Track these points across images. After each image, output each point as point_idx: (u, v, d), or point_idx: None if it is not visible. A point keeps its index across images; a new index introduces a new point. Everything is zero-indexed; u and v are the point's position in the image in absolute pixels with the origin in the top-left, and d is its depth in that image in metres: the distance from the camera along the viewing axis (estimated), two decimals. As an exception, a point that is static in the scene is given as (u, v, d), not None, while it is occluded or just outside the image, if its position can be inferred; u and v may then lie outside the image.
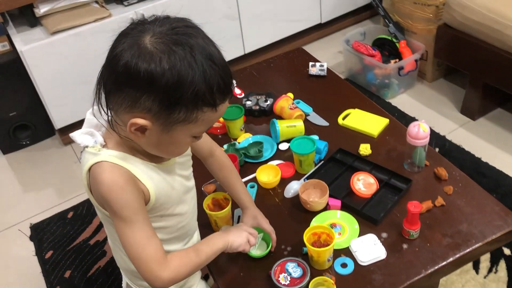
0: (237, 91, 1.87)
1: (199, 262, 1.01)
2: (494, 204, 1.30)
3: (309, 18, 3.00)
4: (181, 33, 0.84)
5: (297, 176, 1.46)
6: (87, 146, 0.94)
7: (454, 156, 2.18)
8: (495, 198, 1.32)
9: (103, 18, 2.34)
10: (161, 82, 0.81)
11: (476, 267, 1.73)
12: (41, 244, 2.06)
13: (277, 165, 1.48)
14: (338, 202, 1.33)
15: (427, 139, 1.35)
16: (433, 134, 2.31)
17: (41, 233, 2.11)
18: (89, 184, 0.95)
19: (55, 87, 2.36)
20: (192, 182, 1.14)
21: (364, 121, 1.61)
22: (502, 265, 1.73)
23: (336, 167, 1.47)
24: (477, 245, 1.20)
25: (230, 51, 2.79)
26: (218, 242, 1.06)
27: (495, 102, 2.40)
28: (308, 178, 1.43)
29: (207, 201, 1.31)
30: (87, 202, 2.21)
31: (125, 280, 1.22)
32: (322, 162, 1.49)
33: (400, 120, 2.40)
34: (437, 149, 2.22)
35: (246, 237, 1.12)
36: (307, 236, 1.19)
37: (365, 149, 1.49)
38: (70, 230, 2.11)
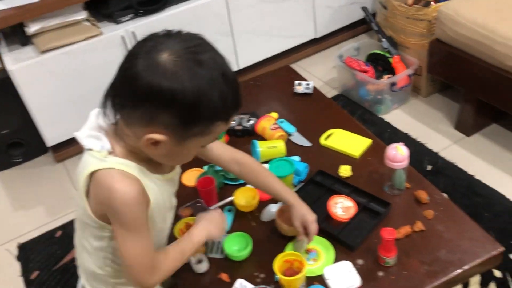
0: (221, 110, 1.85)
1: (183, 261, 1.11)
2: (475, 230, 1.26)
3: (304, 33, 2.98)
4: (198, 51, 0.88)
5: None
6: (91, 149, 0.96)
7: (446, 174, 2.13)
8: (475, 222, 1.28)
9: (94, 36, 2.35)
10: (183, 100, 0.85)
11: (465, 290, 1.68)
12: (27, 264, 2.05)
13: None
14: (314, 227, 1.30)
15: (406, 162, 1.32)
16: (426, 151, 2.27)
17: (28, 253, 2.10)
18: (87, 187, 0.97)
19: (46, 105, 2.36)
20: (175, 201, 1.16)
21: (346, 142, 1.58)
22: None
23: (316, 189, 1.44)
24: (454, 273, 1.17)
25: (223, 67, 2.78)
26: (200, 239, 1.13)
27: (490, 118, 2.35)
28: (286, 201, 1.40)
29: (179, 226, 1.29)
30: (75, 221, 2.19)
31: (80, 284, 1.22)
32: (302, 184, 1.46)
33: (393, 136, 2.38)
34: (429, 167, 2.18)
35: (223, 227, 1.19)
36: (278, 264, 1.16)
37: (345, 171, 1.46)
38: (58, 249, 2.10)
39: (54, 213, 2.29)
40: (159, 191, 1.02)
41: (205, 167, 1.57)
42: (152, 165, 1.00)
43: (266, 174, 1.28)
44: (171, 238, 1.21)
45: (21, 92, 2.28)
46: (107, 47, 2.37)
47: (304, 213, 1.22)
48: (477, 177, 2.10)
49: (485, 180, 2.07)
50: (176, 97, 0.85)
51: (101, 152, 0.95)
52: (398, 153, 1.30)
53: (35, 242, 2.15)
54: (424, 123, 2.45)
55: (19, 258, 2.10)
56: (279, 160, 1.45)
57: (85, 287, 1.20)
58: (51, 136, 2.47)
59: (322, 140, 1.61)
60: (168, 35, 0.90)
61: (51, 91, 2.34)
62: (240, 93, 0.93)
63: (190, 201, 1.46)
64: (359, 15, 3.07)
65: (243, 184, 1.49)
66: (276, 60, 2.96)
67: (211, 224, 1.16)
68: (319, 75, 2.93)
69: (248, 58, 2.86)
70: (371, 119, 2.51)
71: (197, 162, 1.61)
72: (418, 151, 2.27)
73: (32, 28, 2.29)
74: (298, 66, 3.02)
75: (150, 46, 0.88)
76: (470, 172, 2.13)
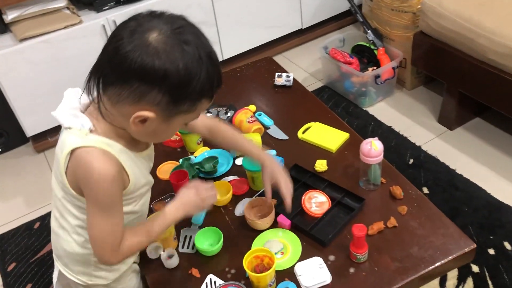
0: (200, 102, 1.82)
1: (148, 243, 1.18)
2: (449, 226, 1.25)
3: (289, 23, 2.95)
4: (184, 31, 0.90)
5: (250, 193, 1.42)
6: (70, 127, 0.97)
7: (428, 167, 2.12)
8: (449, 219, 1.27)
9: (73, 25, 2.30)
10: (175, 79, 0.87)
11: (442, 285, 1.68)
12: (4, 256, 2.03)
13: (230, 181, 1.44)
14: (287, 222, 1.28)
15: (380, 157, 1.30)
16: (409, 145, 2.26)
17: (5, 245, 2.08)
18: (67, 164, 0.97)
19: (25, 95, 2.32)
20: (152, 179, 1.16)
21: (323, 135, 1.56)
22: (470, 283, 1.68)
23: (291, 184, 1.42)
24: (425, 270, 1.15)
25: (207, 58, 2.74)
26: (174, 218, 1.13)
27: (472, 112, 2.34)
28: (259, 195, 1.38)
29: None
30: (54, 213, 2.17)
31: (57, 268, 1.21)
32: (277, 178, 1.44)
33: (376, 129, 2.37)
34: (411, 160, 2.17)
35: (202, 206, 1.18)
36: (248, 260, 1.14)
37: (320, 165, 1.45)
38: (35, 241, 2.07)
39: (33, 204, 2.27)
40: (138, 168, 1.04)
41: (180, 160, 1.55)
42: (131, 143, 1.02)
43: (235, 134, 1.33)
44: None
45: (-2, 81, 2.24)
46: (87, 36, 2.33)
47: (276, 173, 1.26)
48: (458, 171, 2.09)
49: (466, 175, 2.07)
50: (168, 75, 0.87)
51: (81, 130, 0.96)
52: (373, 148, 1.28)
53: (12, 233, 2.12)
54: (408, 116, 2.43)
55: (-4, 250, 2.07)
56: (254, 154, 1.42)
57: (63, 273, 1.18)
58: (31, 125, 2.43)
59: (300, 134, 1.59)
60: (152, 15, 0.91)
61: (30, 80, 2.30)
62: (221, 74, 0.97)
63: (163, 195, 1.43)
64: (345, 6, 3.03)
65: (219, 178, 1.47)
66: (261, 50, 2.93)
67: (187, 205, 1.15)
68: (304, 66, 2.90)
69: (233, 49, 2.83)
70: (355, 112, 2.49)
71: (173, 155, 1.60)
72: (401, 145, 2.26)
73: (10, 16, 2.25)
74: (283, 57, 2.99)
75: (134, 25, 0.89)
76: (452, 166, 2.12)
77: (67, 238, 1.11)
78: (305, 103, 1.75)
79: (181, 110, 0.93)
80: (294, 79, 1.85)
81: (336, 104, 2.56)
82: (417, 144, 2.26)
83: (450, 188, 2.02)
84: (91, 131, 0.97)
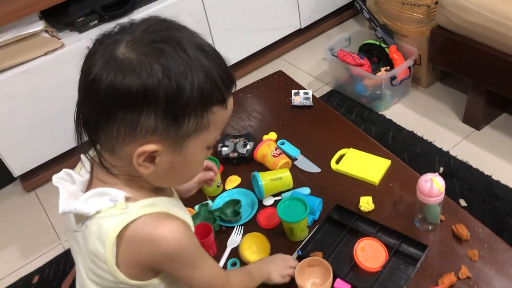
0: (210, 132, 1.61)
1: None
2: (530, 270, 1.07)
3: (288, 24, 2.73)
4: (158, 29, 0.72)
5: (289, 245, 1.21)
6: (99, 211, 0.77)
7: (461, 176, 1.94)
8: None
9: (55, 50, 2.06)
10: (159, 92, 0.68)
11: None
12: (3, 320, 1.81)
13: (258, 214, 1.25)
14: (347, 286, 1.08)
15: (442, 195, 1.11)
16: (435, 151, 2.07)
17: (3, 306, 1.85)
18: (116, 255, 0.76)
19: (7, 132, 2.07)
20: None
21: (361, 165, 1.36)
22: (531, 309, 1.50)
23: (335, 229, 1.22)
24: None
25: (203, 70, 2.52)
26: (260, 277, 1.07)
27: (499, 108, 2.17)
28: (302, 248, 1.18)
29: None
30: (54, 263, 1.94)
31: None
32: (318, 225, 1.23)
33: (397, 135, 2.18)
34: (441, 169, 1.98)
35: (285, 276, 1.11)
36: None
37: (366, 203, 1.25)
38: (36, 298, 1.85)
39: (29, 253, 2.04)
40: (185, 213, 0.86)
41: (196, 207, 1.33)
42: (161, 191, 0.84)
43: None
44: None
45: (-24, 121, 2.00)
46: (71, 61, 2.03)
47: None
48: (495, 177, 1.91)
49: (504, 180, 1.89)
50: (150, 90, 0.68)
51: (116, 205, 0.76)
52: (434, 186, 1.08)
53: (9, 291, 1.90)
54: (429, 118, 2.24)
55: (-7, 313, 1.85)
56: (288, 200, 1.21)
57: None
58: (18, 164, 2.18)
59: (333, 164, 1.39)
60: (123, 27, 0.75)
61: (11, 116, 2.05)
62: (228, 67, 0.76)
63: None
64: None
65: (249, 228, 1.26)
66: (260, 56, 2.72)
67: (275, 267, 1.10)
68: (308, 69, 2.69)
69: (230, 58, 2.57)
70: (371, 117, 2.29)
71: (187, 201, 1.38)
72: (428, 151, 2.07)
73: (-19, 47, 1.99)
74: (284, 61, 2.78)
75: (106, 43, 0.74)
76: (487, 172, 1.94)
77: None
78: (332, 125, 1.55)
79: (189, 130, 0.72)
80: (313, 96, 1.64)
81: (349, 110, 2.36)
82: (444, 149, 2.07)
83: (490, 197, 1.84)
84: (127, 199, 0.77)
